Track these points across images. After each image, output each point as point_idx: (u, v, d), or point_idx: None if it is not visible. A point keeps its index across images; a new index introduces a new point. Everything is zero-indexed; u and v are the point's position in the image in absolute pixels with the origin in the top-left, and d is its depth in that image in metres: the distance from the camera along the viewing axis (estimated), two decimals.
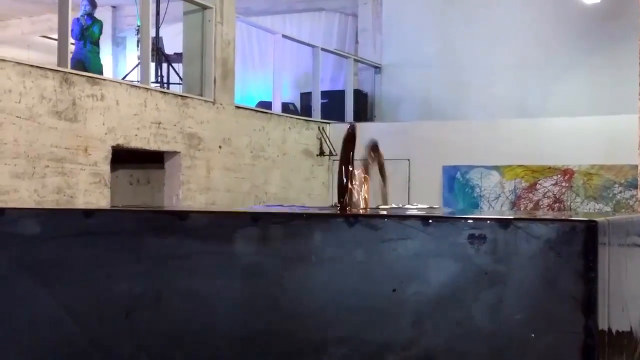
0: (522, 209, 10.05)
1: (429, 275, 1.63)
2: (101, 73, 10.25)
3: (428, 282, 1.63)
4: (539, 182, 10.04)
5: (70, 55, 8.55)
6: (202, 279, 1.76)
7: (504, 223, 1.59)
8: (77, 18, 9.88)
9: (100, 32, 10.12)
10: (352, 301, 1.67)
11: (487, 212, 2.48)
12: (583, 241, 1.54)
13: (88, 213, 1.82)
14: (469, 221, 1.62)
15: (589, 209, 9.76)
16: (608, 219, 1.70)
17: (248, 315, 1.74)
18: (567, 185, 9.91)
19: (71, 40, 10.04)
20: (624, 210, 9.51)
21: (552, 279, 1.56)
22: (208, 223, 1.78)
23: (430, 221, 1.64)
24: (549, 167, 9.97)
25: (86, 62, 9.99)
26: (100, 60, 10.22)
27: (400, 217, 1.69)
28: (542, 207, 10.01)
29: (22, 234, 1.84)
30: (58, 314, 1.83)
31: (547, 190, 10.01)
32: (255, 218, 1.74)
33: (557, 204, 9.97)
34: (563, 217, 1.66)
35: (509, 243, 1.58)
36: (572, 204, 9.89)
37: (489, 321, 1.59)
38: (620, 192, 9.69)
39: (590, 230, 1.54)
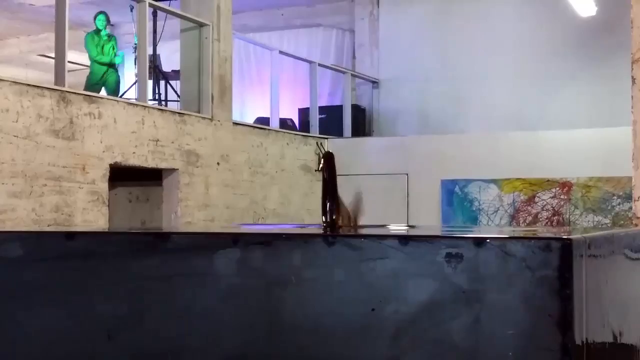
0: (521, 222, 10.06)
1: (407, 294, 1.65)
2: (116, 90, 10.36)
3: (406, 301, 1.65)
4: (537, 195, 10.05)
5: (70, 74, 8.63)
6: (184, 300, 1.78)
7: (479, 242, 1.61)
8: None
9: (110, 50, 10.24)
10: (332, 321, 1.68)
11: (465, 231, 2.49)
12: (558, 259, 1.55)
13: (70, 235, 1.83)
14: (446, 240, 1.64)
15: (588, 221, 9.77)
16: (585, 235, 1.71)
17: (229, 336, 1.75)
18: (565, 197, 9.92)
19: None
20: (622, 222, 9.51)
21: (529, 296, 1.57)
22: (189, 244, 1.80)
23: (408, 241, 1.66)
24: (547, 180, 9.98)
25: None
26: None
27: (379, 237, 1.70)
28: (541, 220, 10.02)
29: (4, 257, 1.86)
30: (41, 336, 1.84)
31: (545, 203, 10.02)
32: (236, 239, 1.76)
33: (556, 217, 9.98)
34: (538, 235, 1.68)
35: (486, 261, 1.60)
36: (570, 216, 9.90)
37: (467, 339, 1.61)
38: (619, 204, 9.70)
39: (565, 248, 1.56)
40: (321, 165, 2.36)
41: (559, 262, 1.55)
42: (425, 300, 1.63)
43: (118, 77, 10.60)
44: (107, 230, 2.16)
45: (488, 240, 1.61)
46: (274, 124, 10.51)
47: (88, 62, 10.52)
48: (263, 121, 10.91)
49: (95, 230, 2.27)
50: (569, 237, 1.58)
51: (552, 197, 9.95)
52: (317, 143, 10.71)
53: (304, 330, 1.71)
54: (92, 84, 10.08)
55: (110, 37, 10.45)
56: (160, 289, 1.78)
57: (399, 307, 1.65)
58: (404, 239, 1.66)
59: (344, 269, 1.69)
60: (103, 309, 1.80)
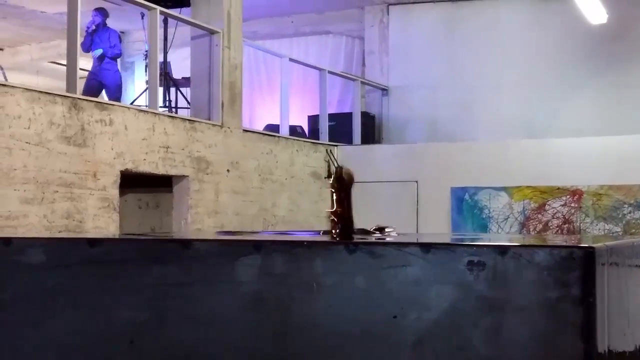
0: (531, 230, 10.04)
1: (429, 302, 1.65)
2: (119, 90, 10.31)
3: (428, 309, 1.65)
4: (547, 203, 10.02)
5: (82, 81, 8.62)
6: (205, 306, 1.78)
7: (502, 250, 1.61)
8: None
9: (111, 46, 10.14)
10: (354, 328, 1.69)
11: (487, 239, 2.49)
12: (581, 267, 1.55)
13: (92, 242, 1.84)
14: (468, 248, 1.64)
15: (599, 229, 9.73)
16: (607, 244, 1.71)
17: (251, 342, 1.75)
18: (576, 206, 9.89)
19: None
20: (633, 230, 9.48)
21: (551, 305, 1.57)
22: (211, 251, 1.80)
23: (430, 248, 1.66)
24: (558, 188, 9.95)
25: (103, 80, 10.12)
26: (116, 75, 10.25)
27: (401, 244, 1.70)
28: (551, 228, 9.99)
29: (28, 263, 1.87)
30: (64, 341, 1.85)
31: (556, 211, 9.99)
32: (258, 246, 1.77)
33: (567, 225, 9.95)
34: (561, 244, 1.68)
35: (508, 269, 1.60)
36: (581, 224, 9.87)
37: (489, 347, 1.60)
38: (630, 212, 9.67)
39: (587, 257, 1.56)
40: (332, 179, 2.36)
41: (581, 271, 1.55)
42: (447, 307, 1.63)
43: (115, 76, 10.40)
44: (129, 236, 2.17)
45: (510, 248, 1.61)
46: (284, 131, 10.53)
47: None
48: (273, 128, 10.93)
49: (117, 237, 2.28)
50: (591, 245, 1.58)
51: (562, 205, 9.93)
52: (326, 150, 10.72)
53: (325, 337, 1.71)
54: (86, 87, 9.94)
55: (95, 31, 10.24)
56: (182, 295, 1.78)
57: (421, 315, 1.65)
58: (425, 247, 1.66)
59: (365, 276, 1.69)
60: (125, 314, 1.81)
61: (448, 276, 1.63)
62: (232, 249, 1.80)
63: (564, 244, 1.71)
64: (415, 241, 1.80)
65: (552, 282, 1.57)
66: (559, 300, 1.57)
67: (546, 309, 1.58)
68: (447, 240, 1.98)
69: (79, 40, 7.38)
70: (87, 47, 10.13)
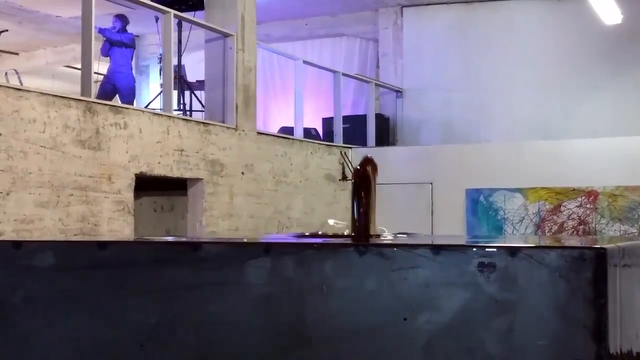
0: (546, 231, 9.99)
1: (439, 304, 1.64)
2: (132, 93, 10.38)
3: (439, 311, 1.64)
4: (563, 204, 9.98)
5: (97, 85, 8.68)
6: (216, 309, 1.78)
7: (513, 251, 1.60)
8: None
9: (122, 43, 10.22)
10: (364, 330, 1.68)
11: (498, 240, 2.48)
12: (592, 268, 1.54)
13: (102, 245, 1.84)
14: (479, 250, 1.63)
15: (614, 230, 9.68)
16: (619, 245, 1.70)
17: (261, 345, 1.75)
18: (591, 207, 9.84)
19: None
20: None
21: (562, 306, 1.56)
22: (221, 254, 1.80)
23: (440, 250, 1.65)
24: (573, 189, 9.91)
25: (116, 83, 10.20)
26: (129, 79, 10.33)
27: (411, 246, 1.70)
28: (566, 229, 9.94)
29: (38, 266, 1.87)
30: (74, 345, 1.85)
31: (571, 212, 9.95)
32: (267, 249, 1.76)
33: (582, 226, 9.90)
34: (572, 245, 1.66)
35: (519, 271, 1.59)
36: (597, 225, 9.81)
37: (500, 349, 1.60)
38: None
39: (599, 258, 1.54)
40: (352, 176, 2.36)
41: (593, 272, 1.54)
42: (458, 309, 1.62)
43: (128, 79, 10.48)
44: (139, 239, 2.17)
45: (521, 250, 1.60)
46: (298, 133, 10.53)
47: None
48: (287, 131, 10.93)
49: (127, 240, 2.28)
50: (603, 246, 1.56)
51: (578, 206, 9.88)
52: (341, 152, 10.71)
53: (336, 339, 1.71)
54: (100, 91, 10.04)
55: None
56: (193, 298, 1.78)
57: (431, 317, 1.64)
58: (436, 249, 1.66)
59: (375, 278, 1.69)
60: (136, 318, 1.81)
61: (459, 278, 1.63)
62: (242, 252, 1.80)
63: (575, 245, 1.69)
64: (425, 243, 1.79)
65: (564, 284, 1.56)
66: (570, 302, 1.56)
67: (557, 310, 1.57)
68: (459, 241, 1.97)
69: (94, 44, 7.40)
70: (106, 52, 10.23)
